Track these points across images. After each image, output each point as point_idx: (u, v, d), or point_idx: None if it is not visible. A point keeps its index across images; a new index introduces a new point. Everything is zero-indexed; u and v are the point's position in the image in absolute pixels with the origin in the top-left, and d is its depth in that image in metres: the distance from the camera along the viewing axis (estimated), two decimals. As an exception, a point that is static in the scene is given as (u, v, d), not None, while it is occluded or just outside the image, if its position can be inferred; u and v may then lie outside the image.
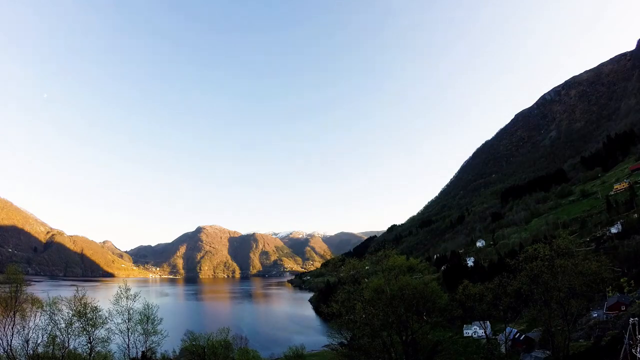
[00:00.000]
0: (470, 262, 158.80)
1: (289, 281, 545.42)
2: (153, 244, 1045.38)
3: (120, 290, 47.15)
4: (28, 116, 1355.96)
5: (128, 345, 46.06)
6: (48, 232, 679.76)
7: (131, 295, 47.62)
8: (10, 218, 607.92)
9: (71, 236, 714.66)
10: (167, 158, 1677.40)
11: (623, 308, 68.96)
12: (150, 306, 48.90)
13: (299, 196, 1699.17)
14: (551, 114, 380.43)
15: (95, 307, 43.42)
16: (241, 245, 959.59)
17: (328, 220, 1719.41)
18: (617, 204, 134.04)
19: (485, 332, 64.12)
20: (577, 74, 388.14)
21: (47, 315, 41.25)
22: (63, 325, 41.03)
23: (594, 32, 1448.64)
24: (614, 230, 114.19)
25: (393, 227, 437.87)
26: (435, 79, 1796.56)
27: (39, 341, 40.70)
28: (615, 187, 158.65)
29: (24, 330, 40.38)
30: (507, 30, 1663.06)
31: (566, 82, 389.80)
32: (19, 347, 40.06)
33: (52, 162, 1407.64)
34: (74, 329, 41.42)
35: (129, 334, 46.16)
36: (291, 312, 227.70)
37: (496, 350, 64.65)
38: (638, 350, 37.63)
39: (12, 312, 39.84)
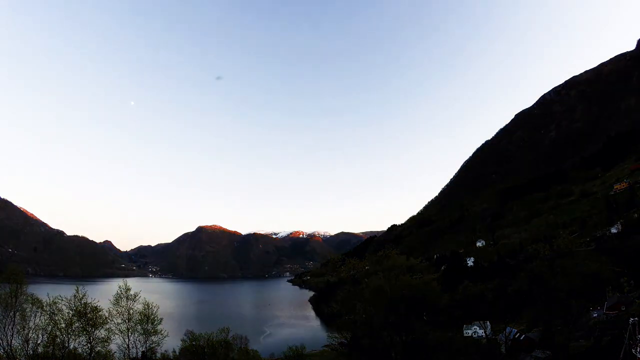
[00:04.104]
0: (470, 262, 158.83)
1: (289, 281, 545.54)
2: (153, 244, 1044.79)
3: (120, 290, 47.16)
4: (28, 115, 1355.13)
5: (128, 345, 46.05)
6: (48, 232, 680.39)
7: (131, 295, 47.64)
8: (11, 218, 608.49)
9: (71, 236, 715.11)
10: (167, 158, 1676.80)
11: (623, 308, 68.92)
12: (150, 306, 48.82)
13: (300, 196, 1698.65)
14: (551, 114, 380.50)
15: (95, 307, 43.48)
16: (241, 245, 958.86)
17: (328, 220, 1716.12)
18: (617, 204, 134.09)
19: (485, 332, 64.15)
20: (577, 74, 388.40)
21: (47, 315, 41.30)
22: (63, 325, 41.10)
23: (594, 32, 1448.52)
24: (614, 230, 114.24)
25: (393, 227, 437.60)
26: (436, 79, 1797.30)
27: (39, 341, 40.78)
28: (615, 187, 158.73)
29: (24, 330, 40.45)
30: (507, 30, 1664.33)
31: (566, 82, 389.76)
32: (19, 347, 40.13)
33: (53, 162, 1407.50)
34: (74, 329, 41.48)
35: (129, 334, 46.16)
36: (291, 312, 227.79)
37: (496, 350, 64.65)
38: (638, 350, 37.67)
39: (12, 312, 39.92)
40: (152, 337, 47.61)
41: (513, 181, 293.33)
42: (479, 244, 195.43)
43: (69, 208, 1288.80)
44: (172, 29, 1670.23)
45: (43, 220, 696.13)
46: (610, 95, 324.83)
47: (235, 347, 64.08)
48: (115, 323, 45.13)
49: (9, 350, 39.09)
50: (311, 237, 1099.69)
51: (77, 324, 41.65)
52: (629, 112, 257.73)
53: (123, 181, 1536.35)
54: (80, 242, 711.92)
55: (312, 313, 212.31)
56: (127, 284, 48.99)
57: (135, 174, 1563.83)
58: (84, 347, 42.30)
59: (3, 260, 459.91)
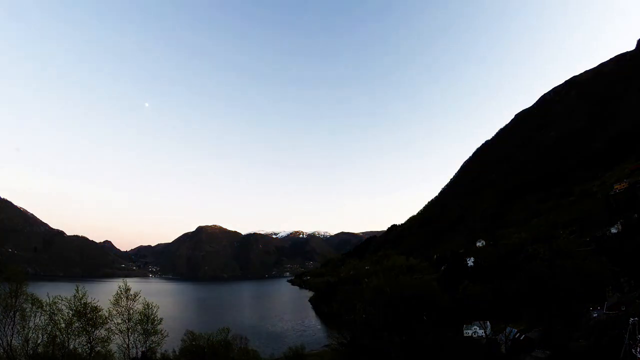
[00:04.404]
0: (470, 262, 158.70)
1: (289, 281, 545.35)
2: (153, 244, 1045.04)
3: (120, 290, 47.22)
4: (29, 114, 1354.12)
5: (128, 345, 46.10)
6: (48, 232, 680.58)
7: (131, 295, 47.69)
8: (11, 218, 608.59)
9: (71, 236, 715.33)
10: (167, 158, 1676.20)
11: (623, 308, 68.86)
12: (150, 306, 48.87)
13: (300, 196, 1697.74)
14: (551, 114, 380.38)
15: (95, 307, 43.54)
16: (241, 246, 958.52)
17: (328, 220, 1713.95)
18: (617, 204, 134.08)
19: (485, 332, 64.14)
20: (577, 73, 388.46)
21: (47, 315, 41.34)
22: (63, 325, 41.14)
23: (594, 32, 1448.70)
24: (614, 230, 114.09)
25: (393, 227, 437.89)
26: (435, 80, 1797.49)
27: (39, 341, 40.83)
28: (615, 187, 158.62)
29: (24, 330, 40.48)
30: (507, 30, 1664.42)
31: (566, 82, 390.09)
32: (19, 347, 40.14)
33: (53, 162, 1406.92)
34: (74, 329, 41.53)
35: (129, 334, 46.23)
36: (291, 312, 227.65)
37: (496, 350, 64.66)
38: (638, 350, 37.69)
39: (12, 312, 39.94)
40: (152, 337, 47.70)
41: (513, 181, 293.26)
42: (479, 244, 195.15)
43: (69, 208, 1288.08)
44: (173, 30, 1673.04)
45: (43, 220, 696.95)
46: (610, 95, 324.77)
47: (235, 347, 64.14)
48: (115, 323, 45.21)
49: (9, 350, 39.10)
50: (311, 237, 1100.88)
51: (77, 324, 41.70)
52: (629, 112, 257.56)
53: (123, 181, 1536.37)
54: (80, 242, 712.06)
55: (312, 313, 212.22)
56: (127, 284, 49.01)
57: (135, 174, 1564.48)
58: (84, 347, 42.34)
59: (3, 260, 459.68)
